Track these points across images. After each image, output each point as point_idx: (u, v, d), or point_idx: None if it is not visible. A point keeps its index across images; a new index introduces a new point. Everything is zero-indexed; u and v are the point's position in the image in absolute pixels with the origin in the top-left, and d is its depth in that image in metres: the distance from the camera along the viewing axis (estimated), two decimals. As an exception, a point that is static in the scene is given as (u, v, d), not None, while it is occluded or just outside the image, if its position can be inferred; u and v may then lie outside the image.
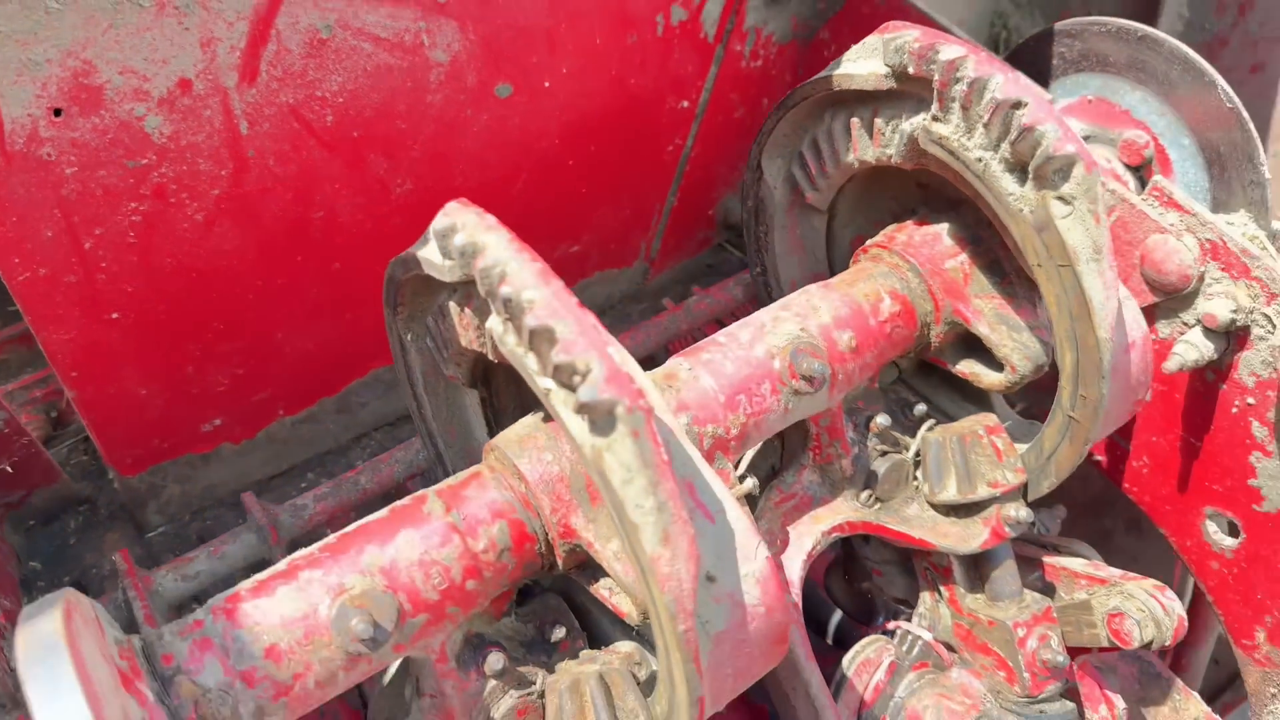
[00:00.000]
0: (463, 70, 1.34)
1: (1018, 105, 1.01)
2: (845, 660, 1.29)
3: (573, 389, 0.80)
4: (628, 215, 1.78)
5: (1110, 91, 1.36)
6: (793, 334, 1.15)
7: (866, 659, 1.29)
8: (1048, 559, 1.31)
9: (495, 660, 1.03)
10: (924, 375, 1.38)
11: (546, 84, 1.45)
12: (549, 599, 1.14)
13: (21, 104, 1.05)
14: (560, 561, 1.03)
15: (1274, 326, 1.19)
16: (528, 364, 0.86)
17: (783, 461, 1.31)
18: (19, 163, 1.09)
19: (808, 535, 1.22)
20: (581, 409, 0.80)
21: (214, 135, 1.20)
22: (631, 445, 0.80)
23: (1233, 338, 1.27)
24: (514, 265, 0.84)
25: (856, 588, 1.47)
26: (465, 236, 0.88)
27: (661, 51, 1.55)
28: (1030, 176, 1.03)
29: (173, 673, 0.89)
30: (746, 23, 1.59)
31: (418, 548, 0.97)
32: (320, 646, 0.92)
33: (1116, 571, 1.25)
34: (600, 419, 0.80)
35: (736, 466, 1.22)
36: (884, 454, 1.27)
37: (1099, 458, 1.53)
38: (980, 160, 1.07)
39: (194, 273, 1.32)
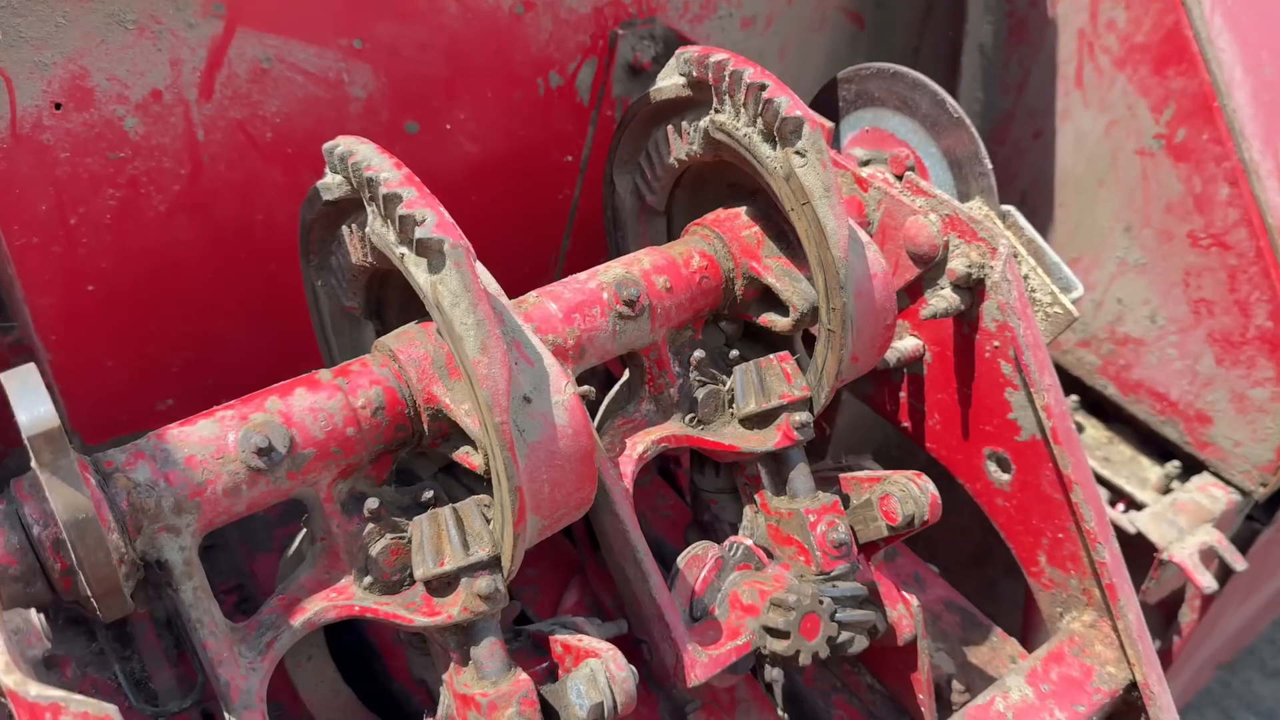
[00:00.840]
0: (377, 106, 1.73)
1: (763, 87, 1.39)
2: (679, 559, 1.55)
3: (412, 235, 1.13)
4: (530, 254, 2.15)
5: (880, 121, 1.76)
6: (619, 274, 1.49)
7: (695, 556, 1.55)
8: (843, 475, 1.60)
9: (372, 503, 1.31)
10: (747, 342, 1.71)
11: (448, 126, 1.84)
12: (425, 484, 1.42)
13: (31, 96, 1.42)
14: (426, 427, 1.32)
15: (993, 269, 1.54)
16: (388, 238, 1.20)
17: (627, 398, 1.62)
18: (25, 145, 1.45)
19: (640, 443, 1.52)
20: (419, 248, 1.12)
21: (177, 139, 1.57)
22: (456, 275, 1.12)
23: (975, 292, 1.61)
24: (377, 159, 1.19)
25: (702, 526, 1.74)
26: (344, 147, 1.23)
27: (544, 110, 1.96)
28: (776, 140, 1.40)
29: (112, 471, 1.17)
30: (614, 91, 2.00)
31: (308, 399, 1.27)
32: (228, 461, 1.20)
33: (890, 471, 1.54)
34: (434, 258, 1.13)
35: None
36: (704, 384, 1.58)
37: (905, 424, 1.84)
38: (745, 134, 1.44)
39: (156, 258, 1.66)
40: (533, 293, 1.47)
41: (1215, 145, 1.93)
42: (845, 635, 1.49)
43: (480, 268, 1.27)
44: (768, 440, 1.53)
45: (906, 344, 1.74)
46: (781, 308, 1.58)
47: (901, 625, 1.59)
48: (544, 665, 1.37)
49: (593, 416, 1.52)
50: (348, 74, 1.67)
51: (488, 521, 1.29)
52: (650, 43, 1.95)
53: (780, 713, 1.78)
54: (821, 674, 1.78)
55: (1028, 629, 2.36)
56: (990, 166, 1.65)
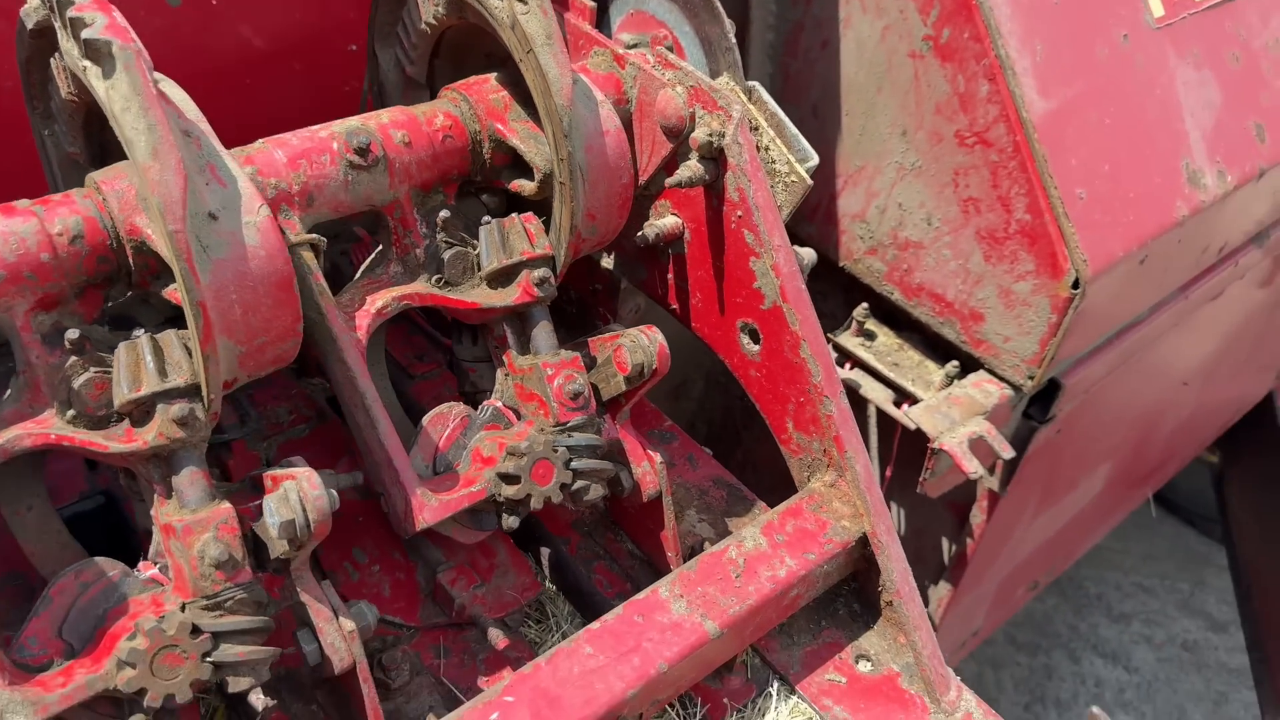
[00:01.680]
0: (132, -26, 1.71)
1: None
2: (423, 418, 1.57)
3: (82, 38, 1.12)
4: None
5: (643, 4, 1.80)
6: (352, 125, 1.49)
7: (439, 414, 1.57)
8: (590, 338, 1.64)
9: (72, 333, 1.30)
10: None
11: (214, 1, 1.82)
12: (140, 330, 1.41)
13: None
14: (131, 260, 1.31)
15: (726, 134, 1.59)
16: (74, 54, 1.19)
17: (378, 262, 1.63)
18: None
19: (380, 299, 1.53)
20: (89, 51, 1.12)
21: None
22: (126, 79, 1.12)
23: (719, 163, 1.66)
24: (62, -24, 1.18)
25: (468, 396, 1.76)
26: (34, -34, 1.22)
27: (322, -5, 1.95)
28: (506, -11, 1.43)
29: None
30: (397, -19, 2.00)
31: (2, 224, 1.25)
32: (-93, 278, 1.18)
33: (626, 330, 1.58)
34: (105, 62, 1.12)
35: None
36: (451, 246, 1.60)
37: (674, 306, 1.88)
38: (477, -13, 1.46)
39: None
40: (260, 140, 1.47)
41: (975, 43, 2.01)
42: (580, 483, 1.53)
43: (174, 89, 1.27)
44: (509, 297, 1.55)
45: (666, 222, 1.78)
46: (530, 172, 1.60)
47: (646, 481, 1.63)
48: (258, 502, 1.37)
49: (336, 280, 1.52)
50: (94, -66, 1.64)
51: (189, 354, 1.29)
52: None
53: (541, 580, 1.81)
54: (585, 543, 1.82)
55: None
56: (735, 43, 1.70)
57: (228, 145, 1.39)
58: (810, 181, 1.66)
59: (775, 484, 2.27)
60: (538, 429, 1.56)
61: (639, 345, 1.51)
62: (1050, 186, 2.01)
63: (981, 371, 2.29)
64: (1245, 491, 4.42)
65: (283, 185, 1.42)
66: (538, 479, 1.48)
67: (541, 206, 1.68)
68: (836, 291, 2.51)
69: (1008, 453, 2.17)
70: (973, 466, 2.10)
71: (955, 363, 2.32)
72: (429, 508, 1.44)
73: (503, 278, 1.57)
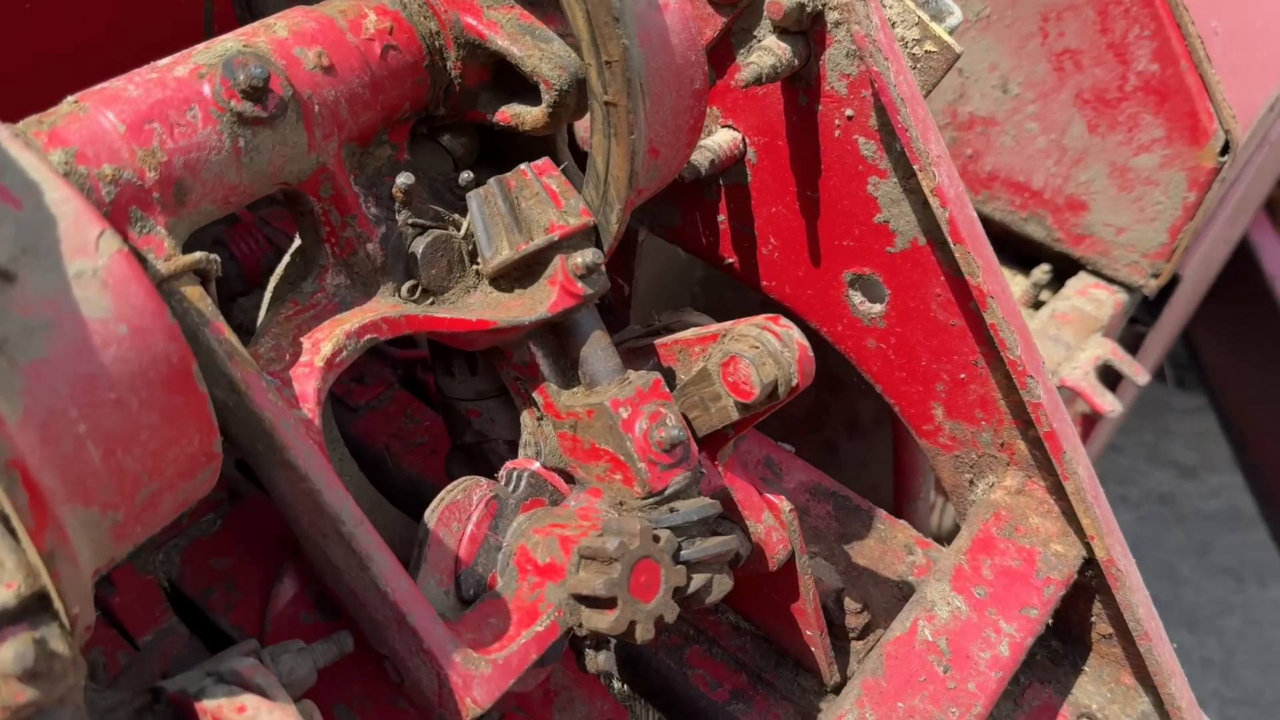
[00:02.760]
0: None
1: None
2: (426, 514, 0.97)
3: None
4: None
5: None
6: (230, 48, 0.84)
7: (453, 503, 0.98)
8: (659, 342, 1.05)
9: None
10: (487, 166, 1.11)
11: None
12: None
13: None
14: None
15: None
16: None
17: (301, 272, 1.00)
18: None
19: (327, 340, 0.91)
20: None
21: None
22: None
23: (811, 39, 1.07)
24: None
25: (469, 451, 1.16)
26: None
27: None
28: None
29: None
30: None
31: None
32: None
33: (730, 322, 1.00)
34: None
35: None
36: (422, 230, 0.98)
37: (730, 260, 1.31)
38: None
39: None
40: (71, 97, 0.81)
41: None
42: (699, 580, 0.97)
43: None
44: (537, 304, 0.95)
45: (720, 139, 1.20)
46: (529, 91, 0.99)
47: (771, 541, 1.08)
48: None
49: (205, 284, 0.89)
50: None
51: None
52: None
53: (616, 685, 1.26)
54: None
55: (901, 498, 1.94)
56: None
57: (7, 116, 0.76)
58: (958, 49, 1.09)
59: (777, 430, 1.73)
60: (612, 501, 0.98)
61: (769, 352, 0.93)
62: (1186, 23, 1.49)
63: (1083, 275, 1.79)
64: (1223, 343, 4.16)
65: (127, 175, 0.78)
66: (640, 591, 0.91)
67: (541, 146, 1.07)
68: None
69: (1141, 377, 1.69)
70: (1109, 403, 1.62)
71: (1046, 268, 1.82)
72: (479, 682, 0.86)
73: (520, 272, 0.96)
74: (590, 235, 0.96)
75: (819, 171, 1.16)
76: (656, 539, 0.92)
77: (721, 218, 1.28)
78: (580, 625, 0.92)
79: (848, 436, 2.40)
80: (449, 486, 0.99)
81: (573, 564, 0.92)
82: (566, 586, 0.92)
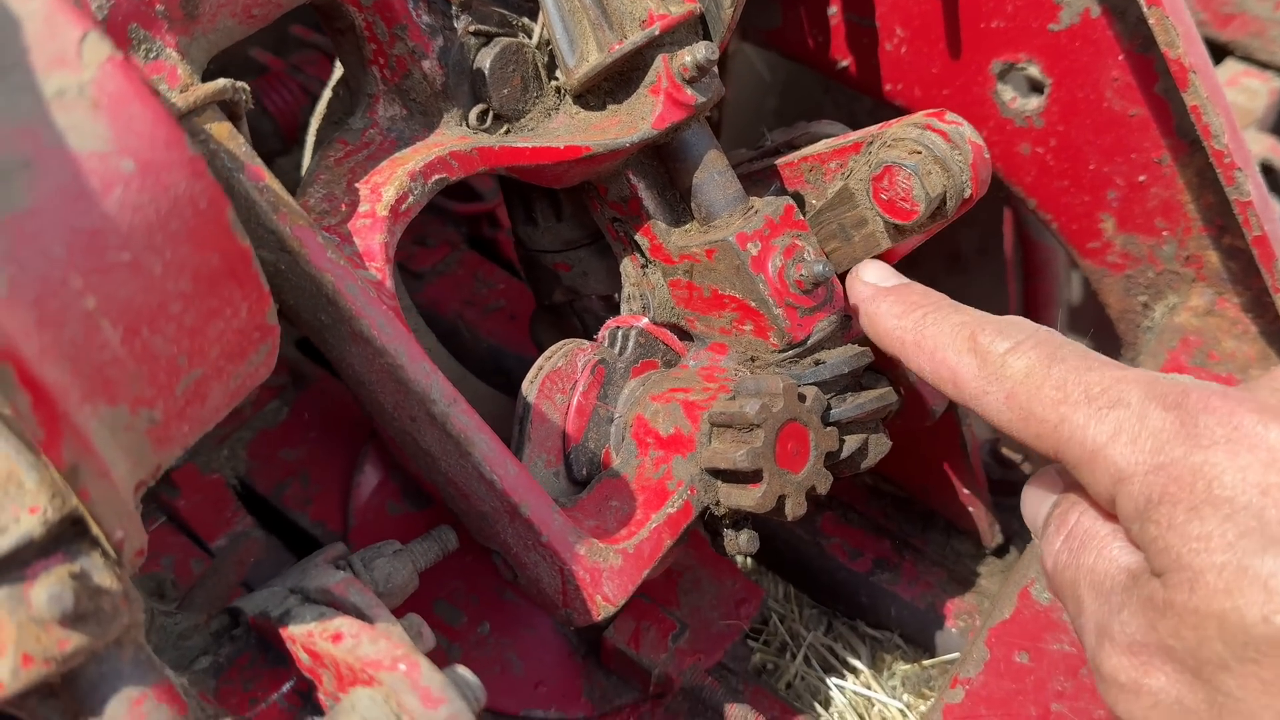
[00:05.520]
0: None
1: None
2: (525, 386, 0.82)
3: None
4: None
5: None
6: None
7: (554, 371, 0.82)
8: (781, 162, 0.87)
9: None
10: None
11: None
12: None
13: None
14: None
15: None
16: None
17: (346, 104, 0.82)
18: None
19: (388, 184, 0.74)
20: None
21: None
22: None
23: None
24: None
25: (558, 311, 1.00)
26: None
27: None
28: None
29: None
30: None
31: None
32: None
33: (875, 127, 0.81)
34: None
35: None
36: (487, 39, 0.79)
37: (844, 62, 1.10)
38: None
39: None
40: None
41: None
42: (852, 442, 0.81)
43: None
44: (639, 120, 0.77)
45: (831, -91, 0.98)
46: None
47: (926, 389, 0.91)
48: (288, 687, 0.65)
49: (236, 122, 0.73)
50: None
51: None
52: None
53: (759, 580, 1.14)
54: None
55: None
56: None
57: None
58: None
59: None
60: (741, 357, 0.82)
61: (935, 156, 0.74)
62: None
63: (1231, 62, 1.54)
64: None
65: (112, -21, 0.60)
66: (788, 460, 0.75)
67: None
68: None
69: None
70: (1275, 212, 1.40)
71: (1185, 58, 1.57)
72: (609, 575, 0.72)
73: (613, 82, 0.78)
74: (697, 26, 0.77)
75: (959, -63, 0.94)
76: (802, 398, 0.76)
77: (833, 10, 1.07)
78: (718, 503, 0.78)
79: (946, 271, 2.21)
80: (546, 353, 0.83)
81: (703, 434, 0.77)
82: (699, 460, 0.77)
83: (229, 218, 0.48)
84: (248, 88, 0.67)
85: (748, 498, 0.75)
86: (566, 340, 0.84)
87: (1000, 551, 1.04)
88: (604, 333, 0.88)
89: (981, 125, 1.03)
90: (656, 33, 0.74)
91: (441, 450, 0.71)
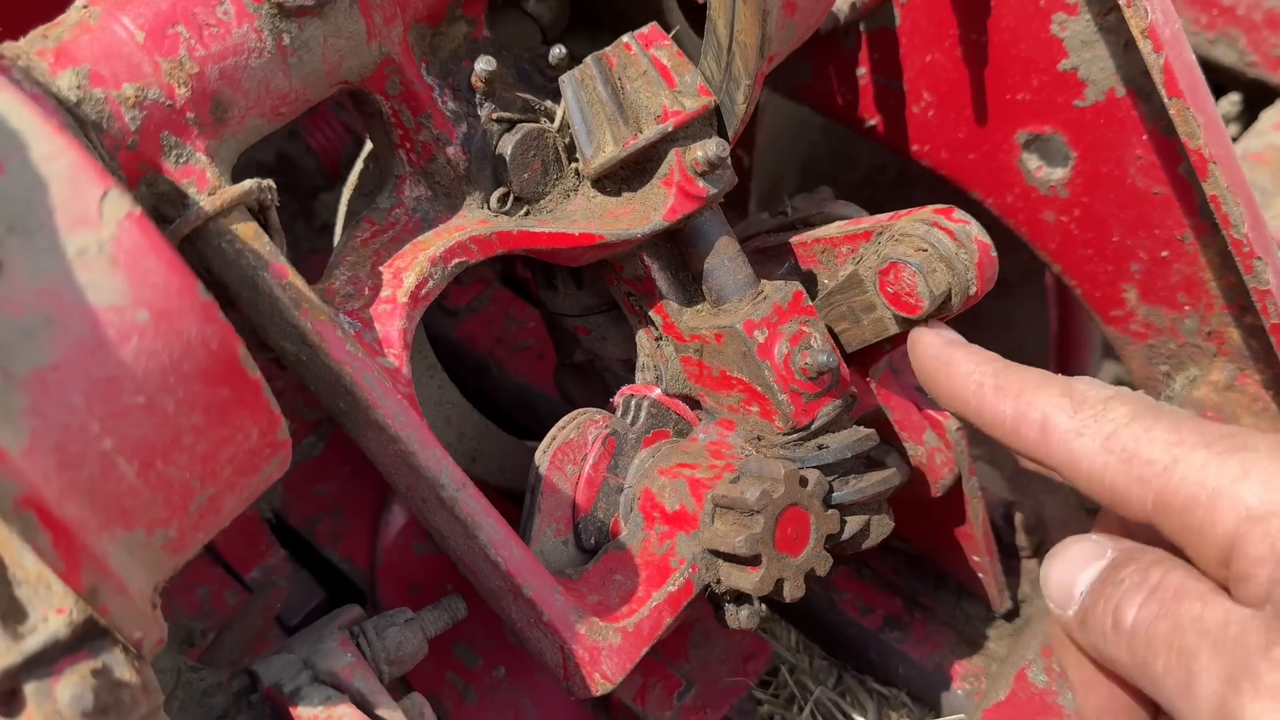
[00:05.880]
0: None
1: None
2: (537, 456, 0.85)
3: None
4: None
5: None
6: (261, -77, 0.68)
7: (566, 442, 0.85)
8: (795, 240, 0.88)
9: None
10: (581, 33, 0.93)
11: None
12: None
13: None
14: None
15: None
16: None
17: (375, 183, 0.86)
18: None
19: (409, 270, 0.77)
20: None
21: None
22: None
23: None
24: None
25: (582, 370, 1.03)
26: None
27: None
28: None
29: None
30: None
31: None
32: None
33: (887, 215, 0.82)
34: None
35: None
36: (510, 126, 0.82)
37: (872, 121, 1.11)
38: None
39: None
40: (80, 1, 0.67)
41: None
42: (855, 523, 0.83)
43: None
44: (651, 211, 0.79)
45: (860, -23, 0.98)
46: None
47: (935, 465, 0.92)
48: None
49: (266, 224, 0.76)
50: None
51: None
52: None
53: (766, 636, 1.16)
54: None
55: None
56: None
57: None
58: None
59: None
60: (747, 435, 0.84)
61: (941, 255, 0.76)
62: None
63: (1283, 104, 1.51)
64: None
65: (153, 94, 0.64)
66: (787, 544, 0.77)
67: (645, 5, 0.89)
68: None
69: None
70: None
71: (1235, 98, 1.55)
72: (608, 654, 0.75)
73: (629, 171, 0.80)
74: (711, 120, 0.79)
75: (988, 9, 0.94)
76: (804, 482, 0.78)
77: (862, 71, 1.08)
78: (719, 582, 0.80)
79: (991, 295, 2.19)
80: (560, 422, 0.86)
81: (706, 513, 0.79)
82: (701, 540, 0.79)
83: (239, 354, 0.52)
84: (273, 186, 0.70)
85: (746, 580, 0.78)
86: (580, 410, 0.87)
87: (1010, 615, 1.05)
88: (619, 399, 0.90)
89: (1006, 191, 1.03)
90: (670, 129, 0.76)
91: (450, 530, 0.74)
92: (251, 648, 0.92)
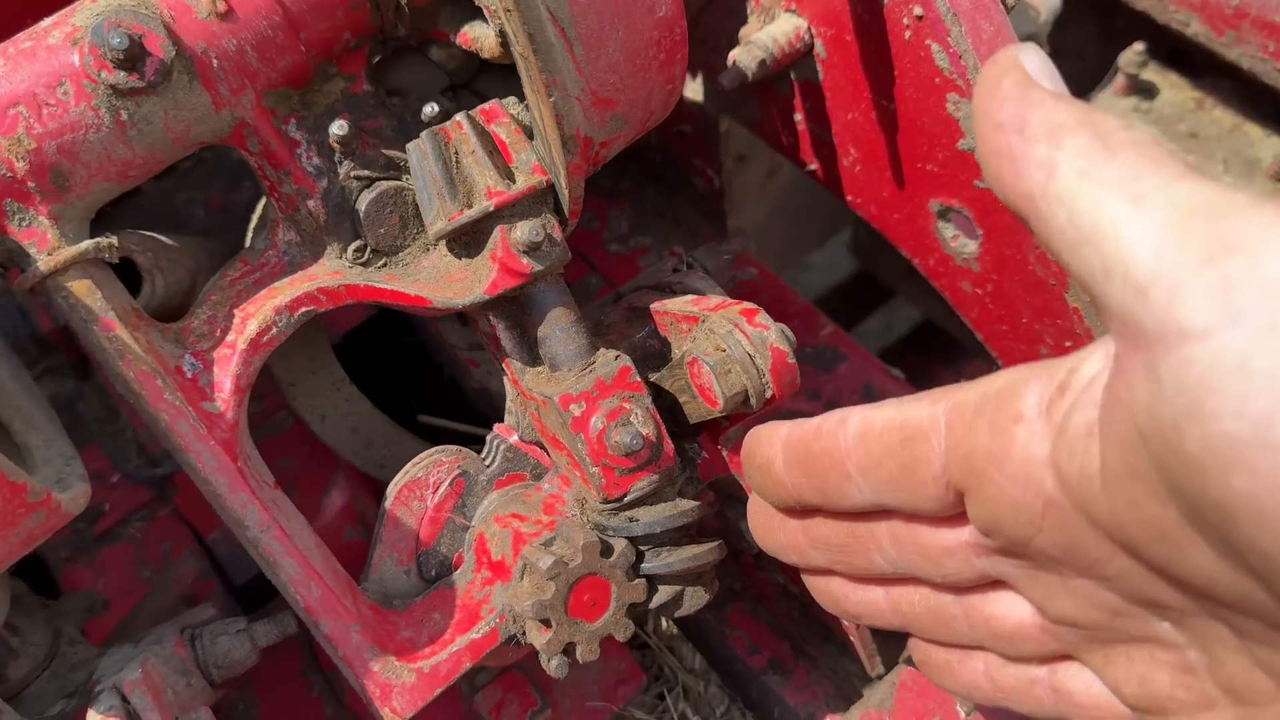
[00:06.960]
0: None
1: None
2: (391, 485, 0.91)
3: None
4: None
5: None
6: (110, 5, 0.74)
7: (413, 480, 0.91)
8: (654, 308, 0.89)
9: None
10: (483, 85, 0.95)
11: None
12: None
13: None
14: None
15: None
16: None
17: (260, 225, 0.92)
18: None
19: (254, 318, 0.83)
20: None
21: None
22: None
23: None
24: None
25: (476, 397, 1.08)
26: None
27: None
28: None
29: None
30: None
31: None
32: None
33: (718, 299, 0.82)
34: None
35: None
36: (370, 183, 0.86)
37: (812, 166, 1.08)
38: None
39: None
40: (-56, 75, 0.75)
41: None
42: (666, 592, 0.85)
43: None
44: (475, 284, 0.82)
45: (777, 29, 0.95)
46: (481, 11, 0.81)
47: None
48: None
49: (137, 293, 0.84)
50: None
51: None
52: None
53: (643, 660, 1.20)
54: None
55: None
56: None
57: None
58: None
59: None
60: (577, 495, 0.87)
61: (734, 358, 0.76)
62: None
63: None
64: None
65: (-11, 168, 0.72)
66: (583, 611, 0.81)
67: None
68: (1094, 40, 1.57)
69: None
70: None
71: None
72: (399, 691, 0.82)
73: (468, 238, 0.83)
74: (545, 198, 0.81)
75: (893, 79, 0.90)
76: (609, 551, 0.81)
77: (798, 117, 1.05)
78: (523, 634, 0.85)
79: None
80: (414, 459, 0.92)
81: (517, 569, 0.84)
82: (505, 594, 0.84)
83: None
84: (114, 242, 0.77)
85: (539, 639, 0.82)
86: (436, 449, 0.92)
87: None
88: (489, 440, 0.95)
89: (929, 254, 1.00)
90: (491, 209, 0.78)
91: (261, 566, 0.82)
92: (166, 619, 1.03)
